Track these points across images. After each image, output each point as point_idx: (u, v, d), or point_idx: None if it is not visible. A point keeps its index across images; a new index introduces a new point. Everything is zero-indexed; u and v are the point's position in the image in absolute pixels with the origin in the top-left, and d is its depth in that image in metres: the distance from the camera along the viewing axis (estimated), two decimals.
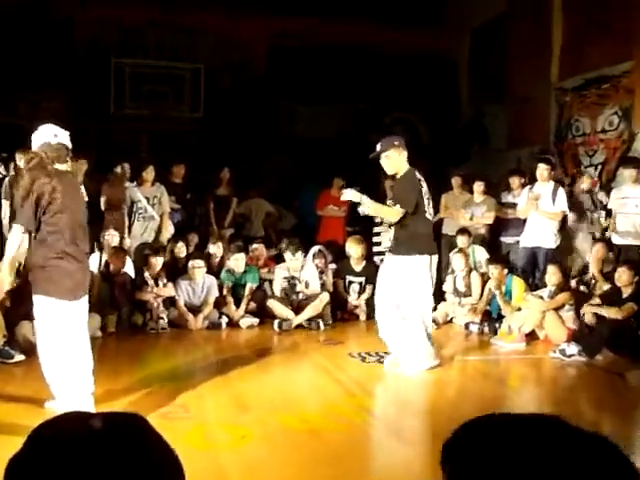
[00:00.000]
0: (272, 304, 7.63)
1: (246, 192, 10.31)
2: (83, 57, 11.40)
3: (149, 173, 8.46)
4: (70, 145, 4.13)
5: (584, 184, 8.44)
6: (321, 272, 8.18)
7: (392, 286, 5.49)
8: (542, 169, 8.15)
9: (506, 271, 7.42)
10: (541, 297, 6.84)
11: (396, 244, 5.52)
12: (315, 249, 8.50)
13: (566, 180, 9.75)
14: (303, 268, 7.83)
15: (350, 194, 5.54)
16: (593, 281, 7.27)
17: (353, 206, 10.10)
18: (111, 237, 7.91)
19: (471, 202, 9.17)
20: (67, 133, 4.14)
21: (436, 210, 9.60)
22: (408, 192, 5.41)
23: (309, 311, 7.55)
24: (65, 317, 3.99)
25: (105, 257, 7.58)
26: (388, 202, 5.64)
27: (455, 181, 9.66)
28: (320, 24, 11.55)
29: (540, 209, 8.06)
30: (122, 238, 8.17)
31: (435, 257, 5.62)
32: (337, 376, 5.39)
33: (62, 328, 3.98)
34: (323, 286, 7.99)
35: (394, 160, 5.46)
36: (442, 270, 9.38)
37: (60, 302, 3.96)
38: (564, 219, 8.21)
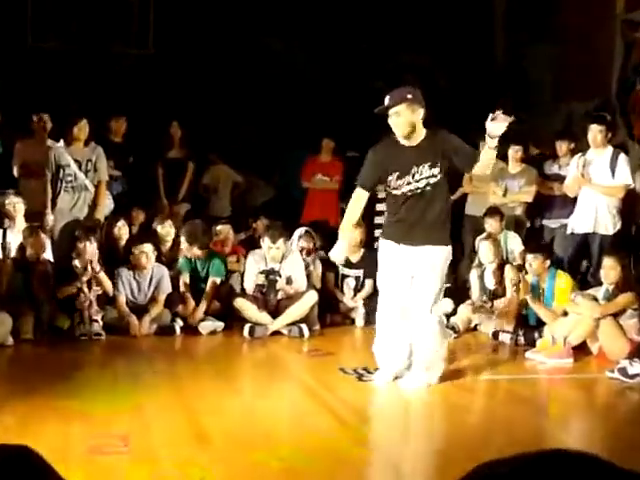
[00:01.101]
0: (241, 304, 7.62)
1: (207, 156, 10.31)
2: None
3: (82, 129, 8.39)
4: None
5: None
6: (308, 253, 8.20)
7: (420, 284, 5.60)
8: (595, 131, 8.17)
9: (548, 263, 7.44)
10: (595, 298, 6.87)
11: (427, 229, 5.56)
12: (301, 230, 8.50)
13: (635, 146, 9.76)
14: (285, 258, 7.82)
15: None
16: None
17: (348, 176, 10.21)
18: (12, 206, 7.84)
19: (505, 173, 9.18)
20: None
21: (458, 184, 9.68)
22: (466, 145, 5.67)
23: (291, 314, 7.55)
24: None
25: (14, 237, 7.53)
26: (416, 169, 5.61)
27: (484, 145, 9.66)
28: None
29: (594, 183, 8.09)
30: (44, 214, 8.14)
31: None
32: (325, 398, 5.39)
33: None
34: (309, 278, 7.99)
35: (406, 118, 5.45)
36: (462, 262, 9.43)
37: None
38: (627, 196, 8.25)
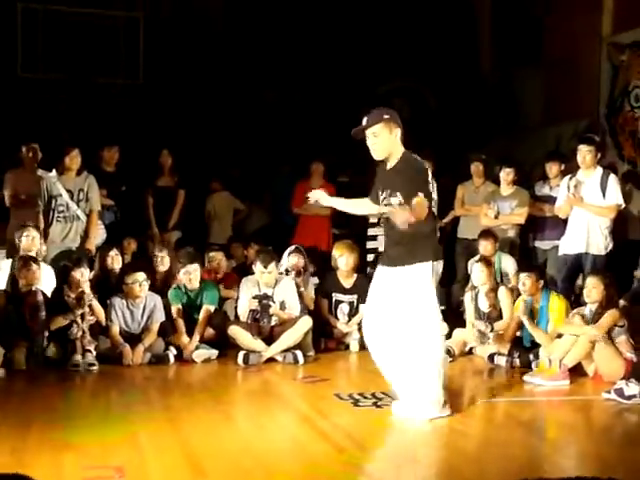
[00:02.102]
0: (234, 332, 7.58)
1: (208, 184, 10.38)
2: None
3: (74, 159, 8.41)
4: None
5: None
6: (298, 274, 8.18)
7: (391, 308, 5.50)
8: (584, 152, 8.21)
9: (542, 283, 7.43)
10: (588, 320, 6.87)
11: (396, 253, 5.53)
12: (291, 248, 8.50)
13: (625, 167, 9.80)
14: (278, 283, 7.80)
15: (319, 195, 5.58)
16: None
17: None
18: (30, 239, 7.80)
19: (497, 195, 9.21)
20: None
21: (450, 206, 9.69)
22: (420, 179, 5.37)
23: (285, 341, 7.51)
24: None
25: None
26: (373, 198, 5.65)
27: (475, 168, 9.70)
28: None
29: (586, 203, 8.10)
30: None
31: (440, 263, 5.60)
32: (321, 425, 5.35)
33: None
34: (300, 299, 7.97)
35: (383, 140, 5.43)
36: (455, 285, 9.43)
37: None
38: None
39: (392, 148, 5.47)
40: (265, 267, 7.68)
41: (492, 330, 7.73)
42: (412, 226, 5.32)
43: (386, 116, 5.45)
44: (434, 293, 5.53)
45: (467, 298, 8.08)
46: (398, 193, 5.39)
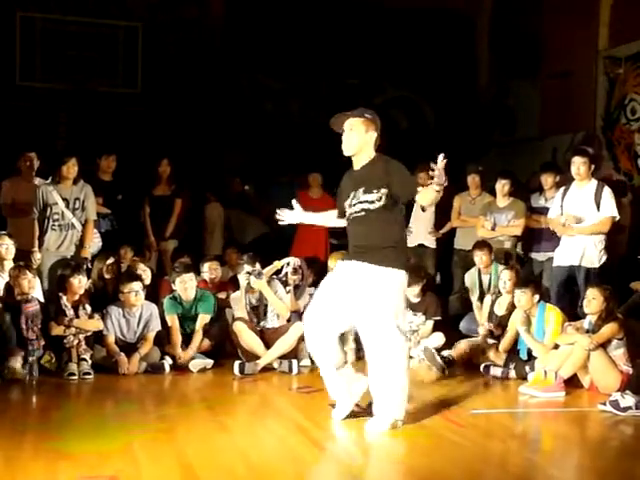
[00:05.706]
0: (239, 328, 7.59)
1: (205, 195, 10.38)
2: None
3: (71, 168, 8.38)
4: None
5: None
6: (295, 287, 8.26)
7: (350, 304, 5.46)
8: (578, 164, 8.20)
9: (537, 297, 7.41)
10: (587, 330, 6.87)
11: (375, 248, 5.42)
12: (296, 262, 8.52)
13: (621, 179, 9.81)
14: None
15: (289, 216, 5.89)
16: None
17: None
18: (5, 247, 7.79)
19: (493, 206, 9.21)
20: None
21: (448, 217, 9.70)
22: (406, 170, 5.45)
23: (278, 348, 7.53)
24: None
25: (1, 280, 7.48)
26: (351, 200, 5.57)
27: (471, 179, 9.71)
28: None
29: (579, 227, 8.05)
30: (31, 252, 8.10)
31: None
32: (316, 436, 5.34)
33: None
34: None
35: (357, 135, 5.42)
36: (452, 296, 9.44)
37: None
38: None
39: (363, 147, 5.47)
40: (252, 265, 7.80)
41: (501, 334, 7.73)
42: (391, 231, 5.41)
43: (367, 115, 5.49)
44: (404, 303, 5.66)
45: (487, 300, 8.10)
46: (381, 188, 5.34)
